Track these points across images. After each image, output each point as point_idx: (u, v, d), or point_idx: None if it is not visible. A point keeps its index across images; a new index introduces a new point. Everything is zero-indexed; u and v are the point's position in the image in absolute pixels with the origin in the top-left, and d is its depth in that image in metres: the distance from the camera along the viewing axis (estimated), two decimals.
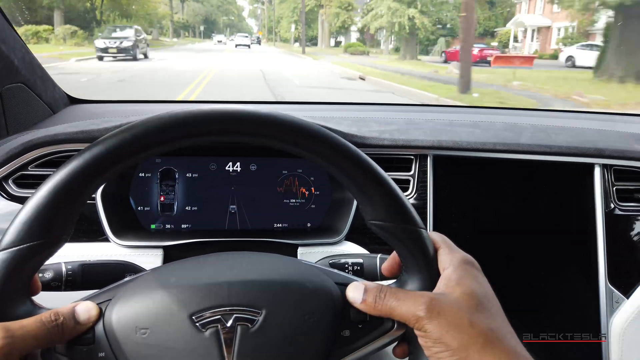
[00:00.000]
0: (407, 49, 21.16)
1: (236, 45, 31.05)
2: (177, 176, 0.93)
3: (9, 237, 0.42)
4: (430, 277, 0.49)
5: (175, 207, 0.93)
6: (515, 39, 24.77)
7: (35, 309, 0.46)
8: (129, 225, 0.90)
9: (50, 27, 17.24)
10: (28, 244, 0.42)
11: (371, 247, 0.90)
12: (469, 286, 0.47)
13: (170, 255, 0.87)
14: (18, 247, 0.42)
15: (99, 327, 0.46)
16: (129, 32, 15.07)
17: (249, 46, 31.43)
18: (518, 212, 1.03)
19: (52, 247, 0.44)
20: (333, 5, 28.32)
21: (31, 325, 0.43)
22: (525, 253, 1.03)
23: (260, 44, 40.87)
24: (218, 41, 38.76)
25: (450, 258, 0.50)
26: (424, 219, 0.95)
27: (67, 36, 17.37)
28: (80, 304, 0.46)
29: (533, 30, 24.38)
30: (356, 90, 10.12)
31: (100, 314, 0.46)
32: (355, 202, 0.91)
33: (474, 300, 0.46)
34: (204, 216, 0.94)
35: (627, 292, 0.99)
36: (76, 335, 0.45)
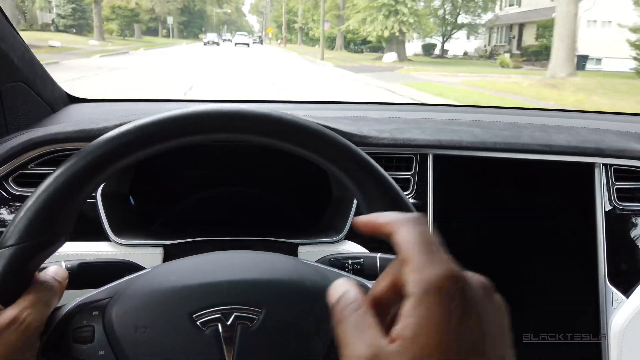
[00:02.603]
0: None
1: (235, 44, 30.88)
2: (177, 175, 0.93)
3: (9, 235, 0.43)
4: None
5: (175, 206, 0.93)
6: None
7: None
8: (128, 224, 0.90)
9: None
10: (29, 242, 0.43)
11: (371, 246, 0.90)
12: (431, 345, 0.27)
13: (170, 254, 0.87)
14: (19, 245, 0.42)
15: (99, 326, 0.46)
16: None
17: (248, 45, 31.27)
18: (518, 212, 1.03)
19: (53, 245, 0.45)
20: None
21: (31, 299, 0.44)
22: (525, 252, 1.03)
23: (262, 43, 40.03)
24: None
25: (418, 278, 0.29)
26: None
27: None
28: (48, 269, 0.48)
29: None
30: None
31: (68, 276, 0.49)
32: (355, 201, 0.91)
33: None
34: (204, 215, 0.94)
35: (627, 292, 0.99)
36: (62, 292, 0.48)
